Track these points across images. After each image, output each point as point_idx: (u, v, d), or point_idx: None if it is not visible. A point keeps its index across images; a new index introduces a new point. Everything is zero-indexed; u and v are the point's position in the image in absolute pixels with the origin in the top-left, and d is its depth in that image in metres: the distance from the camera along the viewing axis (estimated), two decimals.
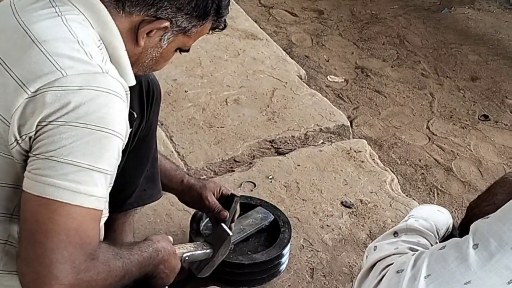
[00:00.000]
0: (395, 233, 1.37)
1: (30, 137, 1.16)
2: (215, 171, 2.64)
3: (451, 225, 1.52)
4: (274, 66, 3.48)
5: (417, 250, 1.21)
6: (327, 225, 2.38)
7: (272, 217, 2.09)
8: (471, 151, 3.40)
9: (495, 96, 3.98)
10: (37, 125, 1.14)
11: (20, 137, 1.16)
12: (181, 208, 2.31)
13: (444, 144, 3.43)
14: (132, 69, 1.37)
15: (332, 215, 2.43)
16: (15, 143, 1.17)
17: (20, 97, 1.15)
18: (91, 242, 1.16)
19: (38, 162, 1.14)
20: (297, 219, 2.37)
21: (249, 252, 1.99)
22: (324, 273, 2.16)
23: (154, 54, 1.40)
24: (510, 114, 3.80)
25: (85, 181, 1.14)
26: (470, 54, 4.49)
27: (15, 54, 1.20)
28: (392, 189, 2.62)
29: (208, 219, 2.06)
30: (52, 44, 1.20)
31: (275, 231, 2.06)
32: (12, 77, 1.17)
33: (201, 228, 2.00)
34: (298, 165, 2.69)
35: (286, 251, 2.02)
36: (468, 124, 3.65)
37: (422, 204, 2.64)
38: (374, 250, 1.32)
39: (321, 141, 2.93)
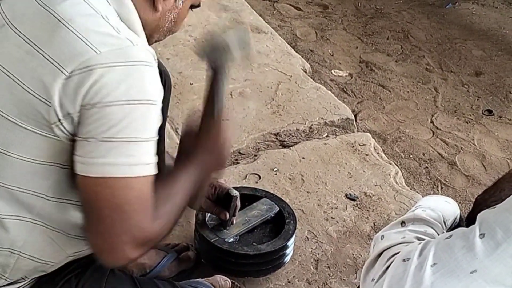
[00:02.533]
0: (403, 223, 1.38)
1: (73, 118, 1.18)
2: None
3: (458, 216, 1.52)
4: (279, 60, 3.49)
5: (424, 240, 1.22)
6: (332, 217, 2.39)
7: (277, 209, 2.10)
8: (475, 145, 3.41)
9: (499, 91, 3.99)
10: (81, 107, 1.17)
11: (63, 116, 1.18)
12: None
13: (448, 139, 3.44)
14: (154, 37, 1.42)
15: (336, 208, 2.45)
16: (57, 122, 1.19)
17: (58, 78, 1.17)
18: (151, 204, 1.22)
19: (90, 145, 1.17)
20: (301, 211, 2.39)
21: (254, 243, 2.00)
22: (328, 265, 2.18)
23: (172, 17, 1.42)
24: None
25: (138, 153, 1.19)
26: (474, 49, 4.49)
27: (44, 35, 1.21)
28: (396, 182, 2.63)
29: None
30: (79, 22, 1.21)
31: (280, 223, 2.07)
32: (45, 58, 1.19)
33: (206, 219, 2.01)
34: (303, 158, 2.70)
35: (291, 242, 2.03)
36: (472, 119, 3.66)
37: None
38: (381, 239, 1.33)
39: (326, 134, 2.94)
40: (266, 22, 4.06)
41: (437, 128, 3.53)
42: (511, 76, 4.15)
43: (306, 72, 3.47)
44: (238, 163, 2.65)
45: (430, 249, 1.14)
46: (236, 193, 1.92)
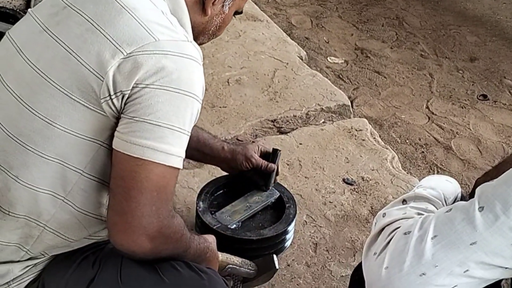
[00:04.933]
0: (404, 201, 1.39)
1: (124, 95, 1.22)
2: None
3: (459, 194, 1.54)
4: (275, 47, 3.50)
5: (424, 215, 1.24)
6: (330, 202, 2.42)
7: (277, 194, 2.12)
8: (470, 130, 3.43)
9: (494, 76, 4.01)
10: (133, 86, 1.21)
11: (115, 93, 1.22)
12: (186, 186, 2.35)
13: (444, 123, 3.47)
14: (199, 39, 1.48)
15: (334, 192, 2.47)
16: (107, 97, 1.23)
17: (116, 56, 1.22)
18: (172, 199, 1.28)
19: (136, 124, 1.21)
20: (300, 196, 2.41)
21: (256, 229, 2.02)
22: (327, 248, 2.21)
23: (218, 21, 1.50)
24: (508, 94, 3.83)
25: (176, 143, 1.23)
26: (468, 35, 4.51)
27: (107, 17, 1.27)
28: (393, 167, 2.65)
29: (215, 194, 2.11)
30: (141, 11, 1.28)
31: (280, 208, 2.09)
32: (105, 36, 1.24)
33: (208, 205, 2.03)
34: (300, 144, 2.73)
35: (292, 226, 2.06)
36: (467, 104, 3.68)
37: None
38: (383, 216, 1.35)
39: (323, 120, 2.96)
40: (261, 10, 4.07)
41: (433, 113, 3.56)
42: (505, 61, 4.18)
43: (302, 59, 3.49)
44: None
45: (430, 222, 1.16)
46: (279, 149, 2.07)
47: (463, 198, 1.54)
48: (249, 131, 2.80)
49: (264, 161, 2.04)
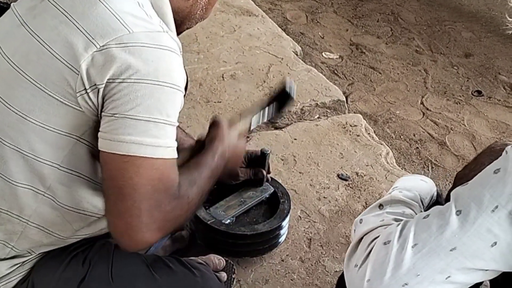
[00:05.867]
0: (380, 206, 1.38)
1: (99, 90, 1.20)
2: None
3: (435, 193, 1.54)
4: (270, 42, 3.49)
5: (402, 221, 1.22)
6: (324, 197, 2.42)
7: (272, 189, 2.11)
8: (465, 125, 3.44)
9: (488, 72, 4.02)
10: (108, 80, 1.19)
11: (90, 87, 1.20)
12: None
13: (438, 119, 3.47)
14: (185, 24, 1.45)
15: (328, 188, 2.47)
16: (83, 91, 1.21)
17: (89, 49, 1.20)
18: (173, 184, 1.24)
19: (117, 121, 1.19)
20: (294, 191, 2.41)
21: (250, 224, 2.01)
22: (321, 243, 2.21)
23: (203, 3, 1.47)
24: (503, 90, 3.84)
25: (162, 135, 1.21)
26: (463, 31, 4.51)
27: (80, 8, 1.25)
28: (388, 162, 2.65)
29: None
30: (115, 3, 1.25)
31: (274, 203, 2.09)
32: (79, 29, 1.22)
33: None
34: (295, 139, 2.72)
35: (286, 221, 2.05)
36: (461, 100, 3.69)
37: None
38: (360, 223, 1.34)
39: (317, 115, 2.96)
40: (256, 5, 4.06)
41: (427, 109, 3.56)
42: (500, 58, 4.18)
43: (297, 55, 3.48)
44: None
45: (409, 230, 1.14)
46: (268, 150, 2.01)
47: (438, 197, 1.53)
48: None
49: (252, 170, 2.00)
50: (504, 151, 1.12)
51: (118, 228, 1.20)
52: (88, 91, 1.21)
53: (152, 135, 1.19)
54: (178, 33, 1.42)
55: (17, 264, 1.39)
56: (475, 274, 1.11)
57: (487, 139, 3.33)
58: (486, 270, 1.11)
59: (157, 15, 1.32)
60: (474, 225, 1.07)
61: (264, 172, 2.02)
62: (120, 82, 1.18)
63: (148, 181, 1.19)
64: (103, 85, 1.19)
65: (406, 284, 1.12)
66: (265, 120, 1.79)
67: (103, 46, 1.19)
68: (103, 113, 1.22)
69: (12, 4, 1.39)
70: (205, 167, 1.39)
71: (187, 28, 1.47)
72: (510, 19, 1.23)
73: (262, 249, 2.03)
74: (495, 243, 1.07)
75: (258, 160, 2.03)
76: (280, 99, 1.82)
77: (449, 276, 1.11)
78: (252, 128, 1.72)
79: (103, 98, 1.21)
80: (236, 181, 2.00)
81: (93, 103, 1.22)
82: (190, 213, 1.32)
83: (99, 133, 1.22)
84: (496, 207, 1.06)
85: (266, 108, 1.77)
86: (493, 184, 1.07)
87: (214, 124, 1.54)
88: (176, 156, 1.25)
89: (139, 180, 1.18)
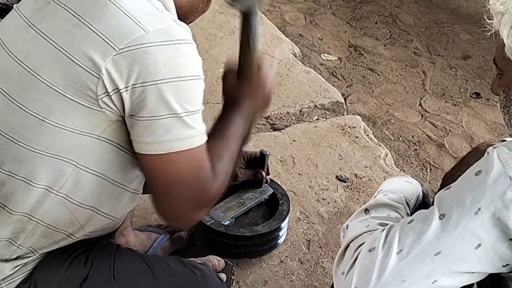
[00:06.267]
0: (366, 210, 1.38)
1: (122, 93, 1.21)
2: None
3: (421, 194, 1.54)
4: (269, 44, 3.50)
5: (387, 225, 1.23)
6: (323, 199, 2.42)
7: (271, 191, 2.11)
8: (463, 127, 3.45)
9: (487, 74, 4.02)
10: (133, 84, 1.19)
11: (112, 89, 1.21)
12: None
13: (437, 121, 3.47)
14: (188, 18, 1.45)
15: (327, 189, 2.48)
16: (105, 94, 1.21)
17: (108, 53, 1.19)
18: (209, 166, 1.29)
19: (154, 124, 1.21)
20: (293, 193, 2.41)
21: (250, 225, 2.01)
22: (320, 245, 2.21)
23: None
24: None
25: (194, 124, 1.24)
26: (461, 33, 4.52)
27: (92, 11, 1.24)
28: (386, 164, 2.66)
29: None
30: (126, 1, 1.25)
31: (273, 204, 2.09)
32: (94, 32, 1.22)
33: None
34: (294, 141, 2.73)
35: (285, 223, 2.06)
36: (460, 102, 3.69)
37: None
38: (347, 229, 1.34)
39: (316, 117, 2.97)
40: None
41: (426, 111, 3.57)
42: None
43: (296, 56, 3.48)
44: None
45: (394, 235, 1.15)
46: (267, 151, 2.02)
47: (425, 197, 1.54)
48: None
49: (251, 171, 2.02)
50: (486, 152, 1.12)
51: (168, 215, 1.30)
52: (111, 94, 1.21)
53: (187, 127, 1.23)
54: None
55: (19, 265, 1.39)
56: (461, 277, 1.12)
57: (485, 141, 3.33)
58: (472, 272, 1.11)
59: (164, 8, 1.33)
60: (458, 228, 1.08)
61: (264, 173, 2.03)
62: (146, 86, 1.19)
63: (189, 172, 1.25)
64: (128, 89, 1.20)
65: None
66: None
67: (122, 48, 1.19)
68: (134, 117, 1.23)
69: (15, 6, 1.39)
70: (237, 133, 1.42)
71: (190, 22, 1.46)
72: (489, 21, 1.24)
73: (261, 250, 2.03)
74: (479, 245, 1.07)
75: (257, 161, 2.03)
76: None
77: (435, 281, 1.11)
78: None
79: (129, 102, 1.21)
80: (235, 182, 2.00)
81: (115, 105, 1.23)
82: (228, 180, 1.37)
83: (134, 137, 1.25)
84: (479, 209, 1.06)
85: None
86: (475, 187, 1.08)
87: (229, 73, 1.56)
88: (206, 138, 1.29)
89: (181, 174, 1.24)
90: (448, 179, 1.40)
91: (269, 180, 2.10)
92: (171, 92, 1.20)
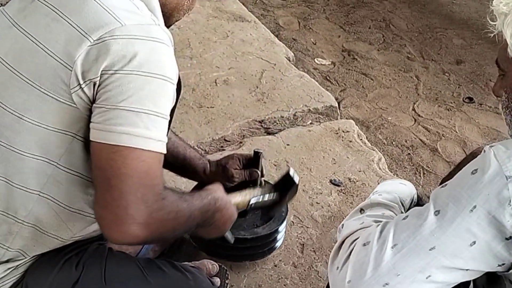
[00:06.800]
0: (361, 210, 1.40)
1: (94, 83, 1.21)
2: (205, 150, 2.67)
3: (415, 196, 1.55)
4: (263, 48, 3.50)
5: (381, 222, 1.24)
6: (317, 203, 2.43)
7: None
8: (456, 132, 3.46)
9: (479, 79, 4.04)
10: (102, 72, 1.20)
11: (84, 81, 1.21)
12: (173, 186, 2.34)
13: (430, 126, 3.48)
14: (174, 16, 1.45)
15: (321, 193, 2.48)
16: (77, 87, 1.22)
17: (83, 44, 1.20)
18: (159, 183, 1.23)
19: (109, 112, 1.19)
20: None
21: (249, 227, 2.00)
22: (314, 248, 2.21)
23: None
24: (494, 97, 3.80)
25: (153, 127, 1.21)
26: (455, 38, 4.54)
27: (71, 5, 1.26)
28: (380, 168, 2.66)
29: None
30: None
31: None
32: (71, 25, 1.23)
33: None
34: (288, 145, 2.73)
35: (284, 225, 2.05)
36: (453, 106, 3.71)
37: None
38: (342, 228, 1.35)
39: (310, 121, 2.97)
40: (249, 11, 4.07)
41: (419, 115, 3.58)
42: (491, 64, 4.20)
43: (289, 61, 3.49)
44: (223, 149, 2.67)
45: (389, 230, 1.16)
46: (261, 150, 2.03)
47: (419, 199, 1.55)
48: (237, 132, 2.80)
49: (246, 172, 2.00)
50: (483, 150, 1.13)
51: (106, 219, 1.20)
52: (83, 86, 1.21)
53: (143, 126, 1.20)
54: (167, 26, 1.43)
55: (11, 267, 1.39)
56: (455, 273, 1.12)
57: (478, 145, 3.34)
58: (466, 269, 1.12)
59: (147, 8, 1.33)
60: (453, 224, 1.08)
61: (259, 172, 2.03)
62: (112, 74, 1.19)
63: (135, 173, 1.19)
64: (98, 77, 1.20)
65: (386, 284, 1.13)
66: (264, 203, 1.81)
67: (97, 40, 1.20)
68: (94, 104, 1.22)
69: (1, 8, 1.39)
70: (198, 197, 1.40)
71: (176, 21, 1.47)
72: (492, 23, 1.25)
73: (262, 252, 2.02)
74: (474, 242, 1.08)
75: (252, 162, 2.03)
76: (284, 188, 1.85)
77: (429, 276, 1.12)
78: (248, 207, 1.74)
79: (97, 90, 1.21)
80: (232, 183, 2.00)
81: (87, 97, 1.22)
82: (178, 226, 1.31)
83: (91, 124, 1.23)
84: (474, 207, 1.07)
85: (267, 195, 1.81)
86: (471, 185, 1.09)
87: (214, 182, 1.56)
88: (165, 151, 1.25)
89: (126, 172, 1.18)
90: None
91: (264, 182, 2.10)
92: (136, 85, 1.19)
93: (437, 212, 1.11)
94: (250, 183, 2.07)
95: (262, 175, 2.07)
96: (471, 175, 1.10)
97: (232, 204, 1.57)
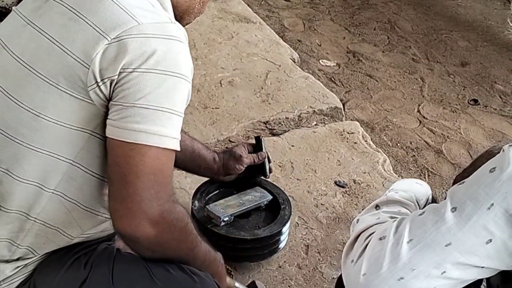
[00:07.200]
0: (377, 206, 1.40)
1: (111, 81, 1.22)
2: None
3: (430, 196, 1.56)
4: (268, 49, 3.51)
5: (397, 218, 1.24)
6: (321, 204, 2.42)
7: (270, 197, 2.11)
8: (461, 134, 3.45)
9: (485, 81, 4.04)
10: (120, 70, 1.21)
11: (102, 79, 1.22)
12: (178, 186, 2.35)
13: (435, 127, 3.48)
14: (185, 19, 1.47)
15: (326, 194, 2.48)
16: (94, 85, 1.23)
17: (100, 43, 1.22)
18: (171, 182, 1.28)
19: (127, 110, 1.21)
20: (292, 198, 2.40)
21: (251, 228, 2.01)
22: (318, 250, 2.21)
23: None
24: (498, 99, 3.86)
25: (168, 125, 1.23)
26: (460, 40, 4.54)
27: (88, 5, 1.27)
28: (385, 170, 2.66)
29: (211, 194, 2.12)
30: None
31: (274, 209, 2.09)
32: (88, 24, 1.24)
33: (203, 204, 2.03)
34: (292, 146, 2.73)
35: (287, 227, 2.06)
36: (458, 108, 3.70)
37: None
38: (357, 223, 1.36)
39: (315, 122, 2.97)
40: (254, 12, 4.07)
41: (424, 117, 3.58)
42: (496, 67, 4.20)
43: (294, 62, 3.49)
44: None
45: (405, 226, 1.16)
46: (261, 134, 2.16)
47: (434, 200, 1.55)
48: (242, 133, 2.80)
49: (254, 155, 2.06)
50: (502, 149, 1.13)
51: (119, 212, 1.24)
52: (100, 84, 1.22)
53: (160, 124, 1.22)
54: None
55: (20, 266, 1.39)
56: (470, 271, 1.12)
57: (483, 147, 3.34)
58: (482, 267, 1.11)
59: (161, 7, 1.34)
60: (470, 221, 1.08)
61: (264, 154, 2.08)
62: (131, 72, 1.21)
63: (151, 170, 1.22)
64: (116, 75, 1.22)
65: (401, 278, 1.13)
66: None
67: (114, 38, 1.22)
68: (112, 102, 1.24)
69: (14, 8, 1.40)
70: (208, 247, 1.48)
71: (187, 24, 1.49)
72: None
73: (262, 254, 2.03)
74: (490, 240, 1.07)
75: (255, 148, 2.10)
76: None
77: (444, 272, 1.11)
78: None
79: (114, 88, 1.23)
80: (241, 164, 2.03)
81: (104, 95, 1.24)
82: (183, 244, 1.36)
83: (108, 121, 1.25)
84: (492, 204, 1.07)
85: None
86: (489, 183, 1.08)
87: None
88: (179, 148, 1.27)
89: (143, 169, 1.21)
90: (459, 182, 1.41)
91: (272, 169, 2.16)
92: (153, 83, 1.21)
93: (454, 209, 1.11)
94: (258, 167, 2.08)
95: (269, 161, 2.09)
96: (489, 173, 1.10)
97: (226, 281, 1.63)
